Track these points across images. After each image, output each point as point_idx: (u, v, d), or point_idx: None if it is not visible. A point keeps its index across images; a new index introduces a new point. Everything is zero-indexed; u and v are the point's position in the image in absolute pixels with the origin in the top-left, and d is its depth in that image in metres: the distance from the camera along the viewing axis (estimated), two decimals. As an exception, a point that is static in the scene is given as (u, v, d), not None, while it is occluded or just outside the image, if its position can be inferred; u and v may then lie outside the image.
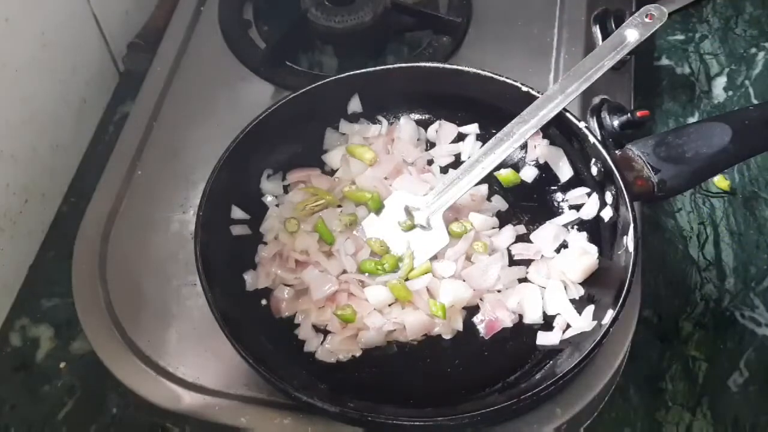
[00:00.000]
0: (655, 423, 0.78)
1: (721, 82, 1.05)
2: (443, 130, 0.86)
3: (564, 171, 0.80)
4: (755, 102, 1.03)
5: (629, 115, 0.85)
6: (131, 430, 0.77)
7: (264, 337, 0.73)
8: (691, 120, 1.01)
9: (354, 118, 0.86)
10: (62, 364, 0.81)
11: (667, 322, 0.84)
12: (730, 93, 1.03)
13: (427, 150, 0.86)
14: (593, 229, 0.77)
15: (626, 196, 0.71)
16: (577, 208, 0.79)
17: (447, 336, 0.74)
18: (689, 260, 0.89)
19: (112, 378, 0.73)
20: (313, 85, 0.81)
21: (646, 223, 0.88)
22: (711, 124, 0.72)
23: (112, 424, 0.78)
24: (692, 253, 0.89)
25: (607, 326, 0.66)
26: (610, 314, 0.67)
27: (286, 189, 0.83)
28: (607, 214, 0.76)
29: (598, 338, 0.65)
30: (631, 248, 0.69)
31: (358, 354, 0.73)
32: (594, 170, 0.76)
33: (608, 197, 0.75)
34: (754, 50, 1.08)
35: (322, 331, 0.74)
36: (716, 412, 0.78)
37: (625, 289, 0.67)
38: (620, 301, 0.66)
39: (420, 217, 0.78)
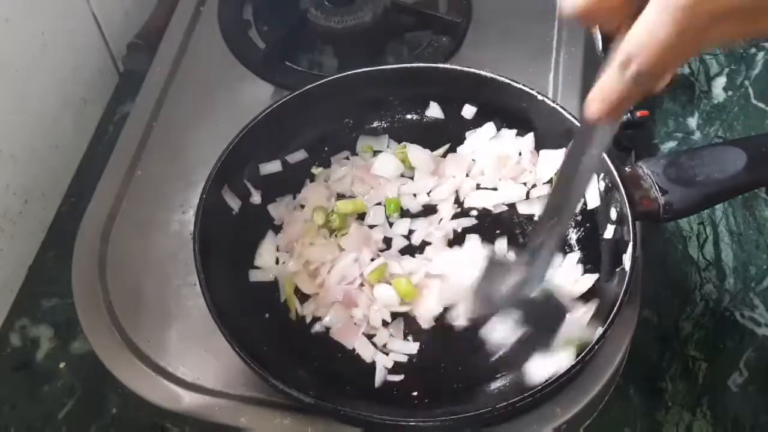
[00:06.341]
0: (655, 423, 0.78)
1: (720, 82, 1.05)
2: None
3: None
4: (755, 102, 1.02)
5: (629, 115, 0.85)
6: (131, 430, 0.77)
7: (264, 337, 0.73)
8: (691, 120, 1.01)
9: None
10: (62, 364, 0.81)
11: (667, 322, 0.84)
12: (730, 93, 1.03)
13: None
14: (592, 246, 0.76)
15: (630, 214, 0.69)
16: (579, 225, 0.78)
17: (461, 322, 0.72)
18: (689, 260, 0.89)
19: (112, 378, 0.72)
20: (313, 85, 0.81)
21: (645, 223, 0.88)
22: (726, 148, 0.70)
23: (112, 424, 0.78)
24: (692, 253, 0.89)
25: (602, 333, 0.65)
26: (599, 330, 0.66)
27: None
28: (609, 233, 0.74)
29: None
30: (627, 267, 0.68)
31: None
32: (601, 185, 0.75)
33: (612, 213, 0.74)
34: (753, 50, 1.08)
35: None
36: (716, 412, 0.78)
37: (615, 309, 0.65)
38: (609, 320, 0.65)
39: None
